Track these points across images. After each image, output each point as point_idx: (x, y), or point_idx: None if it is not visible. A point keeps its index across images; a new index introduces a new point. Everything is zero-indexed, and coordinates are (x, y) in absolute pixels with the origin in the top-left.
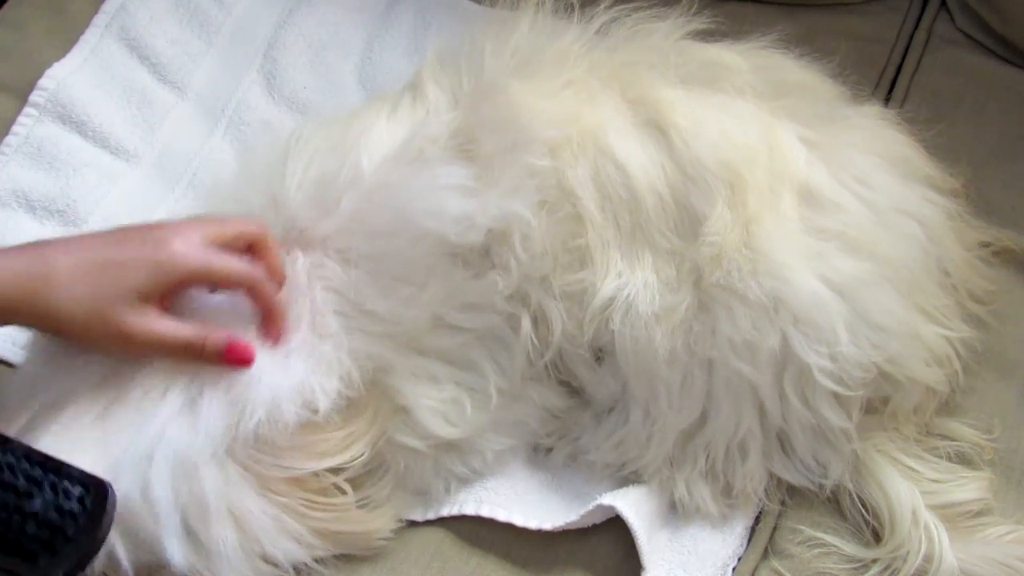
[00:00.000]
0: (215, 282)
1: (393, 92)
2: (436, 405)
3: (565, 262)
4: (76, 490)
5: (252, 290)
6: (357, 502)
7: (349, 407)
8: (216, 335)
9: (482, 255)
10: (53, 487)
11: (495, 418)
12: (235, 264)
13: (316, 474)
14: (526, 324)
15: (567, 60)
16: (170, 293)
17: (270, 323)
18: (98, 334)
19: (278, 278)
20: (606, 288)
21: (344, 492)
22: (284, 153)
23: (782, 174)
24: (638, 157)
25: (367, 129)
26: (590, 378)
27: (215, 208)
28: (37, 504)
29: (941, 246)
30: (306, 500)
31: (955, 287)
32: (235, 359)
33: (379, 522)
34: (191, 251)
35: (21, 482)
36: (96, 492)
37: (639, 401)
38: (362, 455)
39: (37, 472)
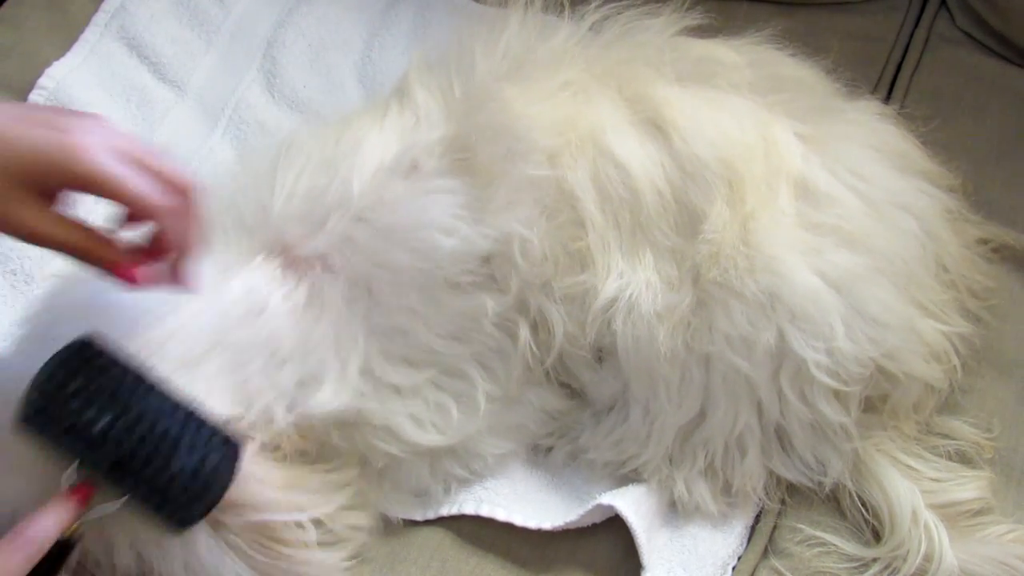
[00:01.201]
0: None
1: (383, 99)
2: (417, 414)
3: (566, 265)
4: (216, 444)
5: (163, 218)
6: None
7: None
8: (105, 252)
9: (477, 277)
10: (199, 438)
11: (493, 423)
12: (145, 187)
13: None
14: (524, 333)
15: (562, 60)
16: (64, 189)
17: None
18: None
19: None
20: (608, 289)
21: (303, 528)
22: (274, 161)
23: (778, 169)
24: (637, 156)
25: (359, 143)
26: (591, 378)
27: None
28: (188, 458)
29: (938, 241)
30: (259, 543)
31: (953, 283)
32: (121, 276)
33: (336, 559)
34: (99, 155)
35: (173, 431)
36: (233, 448)
37: (639, 399)
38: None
39: (184, 421)
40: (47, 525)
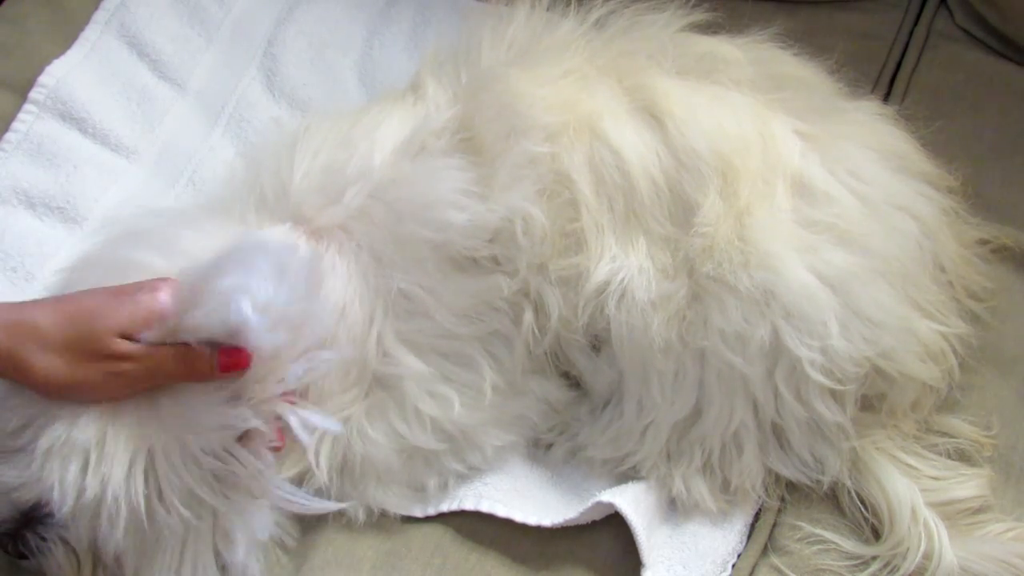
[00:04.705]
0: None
1: (399, 91)
2: (420, 407)
3: (561, 247)
4: None
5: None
6: None
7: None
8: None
9: (486, 257)
10: None
11: (496, 414)
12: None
13: None
14: (528, 316)
15: (566, 50)
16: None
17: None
18: (85, 370)
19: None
20: (600, 272)
21: None
22: (292, 142)
23: (775, 165)
24: (633, 143)
25: (378, 124)
26: (587, 366)
27: (225, 197)
28: None
29: (936, 242)
30: None
31: (951, 283)
32: (231, 366)
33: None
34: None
35: None
36: None
37: (633, 393)
38: None
39: None
40: None
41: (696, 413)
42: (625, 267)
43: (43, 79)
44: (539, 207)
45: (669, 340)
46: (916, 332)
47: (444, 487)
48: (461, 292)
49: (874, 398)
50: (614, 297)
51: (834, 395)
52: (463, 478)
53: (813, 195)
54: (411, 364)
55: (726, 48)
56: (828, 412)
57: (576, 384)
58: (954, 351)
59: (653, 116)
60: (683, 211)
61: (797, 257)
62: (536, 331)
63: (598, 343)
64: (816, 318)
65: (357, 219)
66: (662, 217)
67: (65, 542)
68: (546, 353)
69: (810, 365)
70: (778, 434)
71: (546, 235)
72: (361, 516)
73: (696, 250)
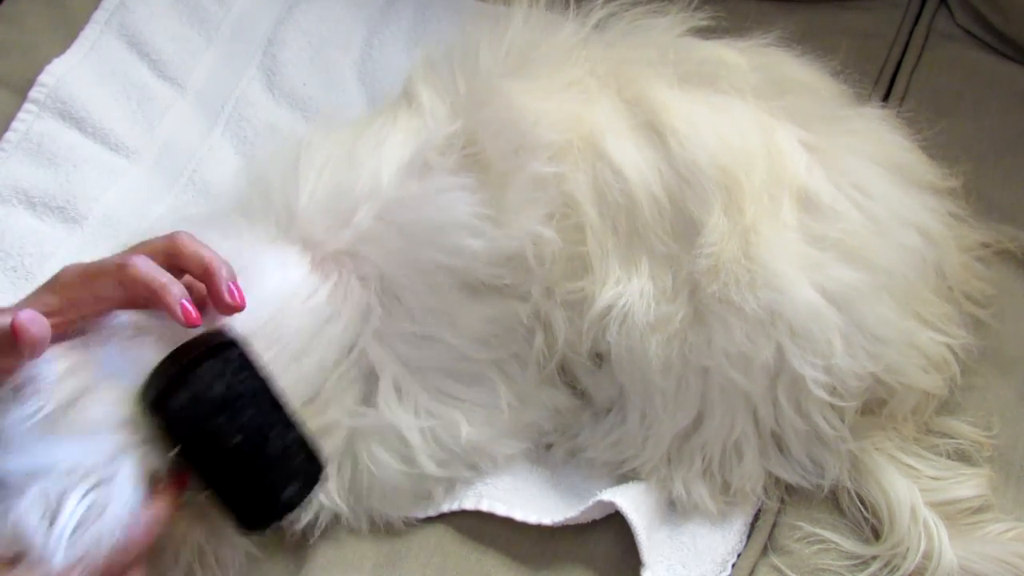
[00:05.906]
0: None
1: (393, 102)
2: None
3: (568, 270)
4: (301, 470)
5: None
6: None
7: None
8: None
9: (501, 283)
10: (292, 462)
11: (508, 427)
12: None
13: None
14: (539, 338)
15: (566, 59)
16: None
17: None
18: None
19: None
20: (604, 297)
21: None
22: (295, 160)
23: (781, 179)
24: (634, 160)
25: (382, 140)
26: (590, 382)
27: (227, 215)
28: (275, 479)
29: (939, 250)
30: None
31: (951, 288)
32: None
33: None
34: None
35: (273, 450)
36: (313, 476)
37: (636, 405)
38: None
39: (285, 441)
40: (162, 507)
41: (697, 422)
42: (628, 292)
43: (43, 78)
44: (551, 230)
45: (669, 360)
46: (919, 345)
47: (448, 491)
48: (480, 318)
49: (874, 404)
50: (616, 321)
51: (834, 409)
52: (467, 483)
53: (819, 210)
54: (419, 401)
55: (728, 53)
56: (827, 426)
57: (581, 392)
58: (956, 359)
59: (654, 131)
60: (686, 228)
61: (803, 275)
62: (545, 352)
63: (599, 360)
64: (821, 337)
65: (367, 242)
66: (664, 235)
67: None
68: (554, 368)
69: (814, 383)
70: (778, 441)
71: (556, 259)
72: (364, 525)
73: (701, 270)
